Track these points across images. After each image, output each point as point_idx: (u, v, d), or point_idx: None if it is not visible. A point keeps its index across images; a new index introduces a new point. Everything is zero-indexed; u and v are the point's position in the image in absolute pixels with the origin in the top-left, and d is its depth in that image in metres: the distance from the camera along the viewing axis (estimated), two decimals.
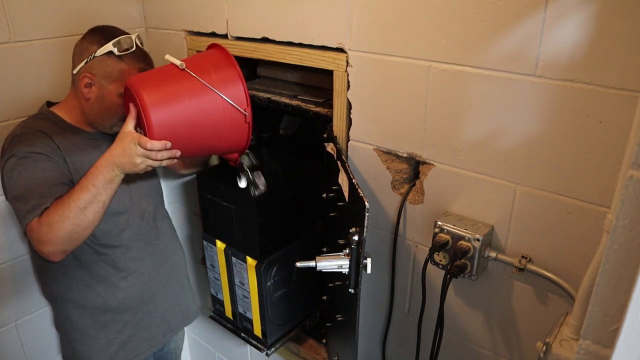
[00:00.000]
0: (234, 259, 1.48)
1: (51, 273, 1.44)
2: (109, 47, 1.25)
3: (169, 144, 1.14)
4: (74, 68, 1.29)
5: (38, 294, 1.69)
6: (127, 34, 1.30)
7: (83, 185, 1.16)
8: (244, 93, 1.21)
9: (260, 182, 1.36)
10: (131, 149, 1.13)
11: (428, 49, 1.06)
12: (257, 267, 1.40)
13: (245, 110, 1.22)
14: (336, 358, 1.37)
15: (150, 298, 1.53)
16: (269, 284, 1.43)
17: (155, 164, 1.17)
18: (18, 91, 1.49)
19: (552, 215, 0.99)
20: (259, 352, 1.54)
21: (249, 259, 1.42)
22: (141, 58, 1.31)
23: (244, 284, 1.48)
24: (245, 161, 1.36)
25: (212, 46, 1.33)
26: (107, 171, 1.16)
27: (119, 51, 1.26)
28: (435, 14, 1.02)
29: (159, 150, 1.14)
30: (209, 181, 1.47)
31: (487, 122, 1.02)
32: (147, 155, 1.14)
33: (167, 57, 1.22)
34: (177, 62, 1.19)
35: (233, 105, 1.20)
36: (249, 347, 1.86)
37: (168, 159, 1.17)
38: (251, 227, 1.37)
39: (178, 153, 1.18)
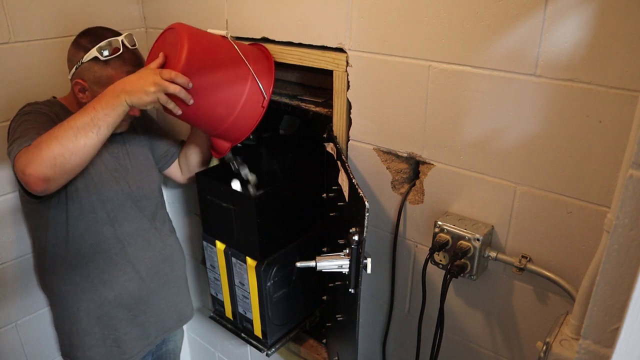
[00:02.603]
0: (233, 259, 1.48)
1: (50, 264, 1.45)
2: (93, 53, 1.23)
3: (190, 84, 1.11)
4: (69, 73, 1.31)
5: (38, 294, 1.69)
6: (118, 34, 1.28)
7: (83, 109, 1.12)
8: (271, 84, 1.30)
9: (252, 178, 1.37)
10: (148, 75, 1.10)
11: (428, 48, 1.06)
12: (257, 268, 1.40)
13: (266, 94, 1.28)
14: (336, 358, 1.37)
15: (146, 296, 1.53)
16: (269, 284, 1.43)
17: (165, 99, 1.11)
18: (18, 91, 1.49)
19: (552, 215, 0.99)
20: (259, 352, 1.54)
21: (249, 260, 1.42)
22: (128, 61, 1.27)
23: (244, 285, 1.48)
24: (234, 157, 1.41)
25: (253, 44, 1.38)
26: (113, 96, 1.11)
27: (103, 57, 1.24)
28: (435, 14, 1.02)
29: (178, 85, 1.10)
30: (209, 182, 1.47)
31: (487, 122, 1.02)
32: (162, 85, 1.09)
33: (210, 30, 1.29)
34: (222, 32, 1.28)
35: (258, 85, 1.26)
36: (249, 347, 1.86)
37: (180, 100, 1.12)
38: (251, 227, 1.37)
39: (191, 100, 1.14)
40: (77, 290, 1.44)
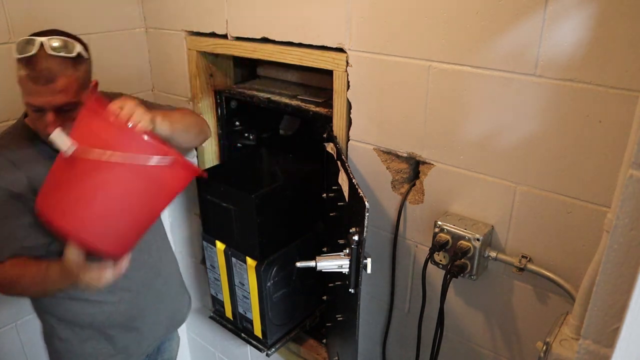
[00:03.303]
0: (233, 259, 1.48)
1: None
2: (13, 52, 1.09)
3: (113, 267, 1.07)
4: None
5: None
6: (62, 36, 1.11)
7: (41, 276, 1.14)
8: (151, 141, 1.00)
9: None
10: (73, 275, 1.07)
11: (428, 48, 1.06)
12: (257, 268, 1.40)
13: (166, 159, 0.99)
14: (336, 358, 1.37)
15: (139, 314, 1.43)
16: (269, 284, 1.43)
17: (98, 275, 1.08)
18: (18, 91, 1.48)
19: (552, 215, 0.99)
20: (259, 352, 1.54)
21: (249, 260, 1.42)
22: (32, 65, 1.08)
23: (244, 285, 1.48)
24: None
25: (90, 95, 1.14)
26: (61, 283, 1.15)
27: (19, 55, 1.09)
28: (435, 14, 1.02)
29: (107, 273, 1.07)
30: (209, 182, 1.47)
31: (487, 121, 1.02)
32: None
33: (52, 137, 0.97)
34: (65, 145, 0.96)
35: (152, 162, 0.97)
36: (249, 347, 1.86)
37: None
38: (251, 227, 1.37)
39: (123, 267, 1.10)
40: (65, 313, 1.34)
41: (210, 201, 1.48)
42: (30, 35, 1.10)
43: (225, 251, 1.50)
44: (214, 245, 1.53)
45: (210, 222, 1.55)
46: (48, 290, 1.21)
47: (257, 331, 1.52)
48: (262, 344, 1.53)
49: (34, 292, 1.25)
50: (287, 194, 1.43)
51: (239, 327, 1.59)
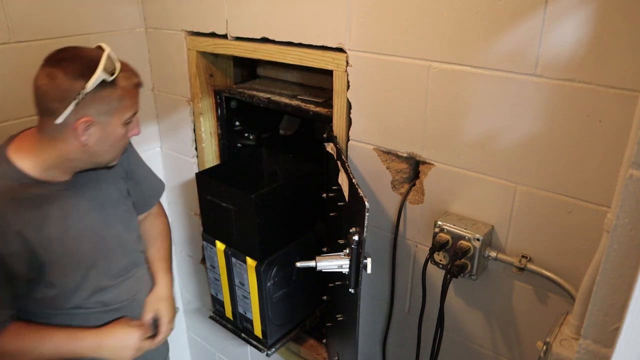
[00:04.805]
0: (233, 259, 1.48)
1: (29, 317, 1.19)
2: (99, 76, 0.99)
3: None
4: (50, 117, 1.02)
5: None
6: (97, 49, 1.07)
7: (57, 344, 1.13)
8: None
9: None
10: (131, 344, 1.21)
11: (428, 48, 1.06)
12: (257, 268, 1.40)
13: None
14: (336, 358, 1.37)
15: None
16: (269, 284, 1.43)
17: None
18: (18, 91, 1.49)
19: (552, 215, 0.99)
20: (259, 352, 1.54)
21: (249, 260, 1.42)
22: (132, 72, 1.10)
23: (244, 285, 1.48)
24: None
25: None
26: (90, 351, 1.16)
27: (110, 77, 1.02)
28: (435, 14, 1.02)
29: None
30: (209, 182, 1.47)
31: (487, 121, 1.02)
32: (143, 350, 1.24)
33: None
34: None
35: None
36: (249, 347, 1.86)
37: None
38: (251, 227, 1.37)
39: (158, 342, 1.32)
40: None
41: (210, 201, 1.48)
42: (80, 57, 1.04)
43: (225, 251, 1.50)
44: (214, 245, 1.53)
45: (210, 222, 1.54)
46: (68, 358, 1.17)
47: (257, 331, 1.52)
48: (262, 344, 1.53)
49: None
50: (287, 194, 1.43)
51: (239, 327, 1.59)
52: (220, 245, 1.51)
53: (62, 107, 1.00)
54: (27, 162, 1.08)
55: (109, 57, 1.03)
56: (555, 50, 0.89)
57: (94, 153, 1.10)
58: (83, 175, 1.18)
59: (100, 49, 1.05)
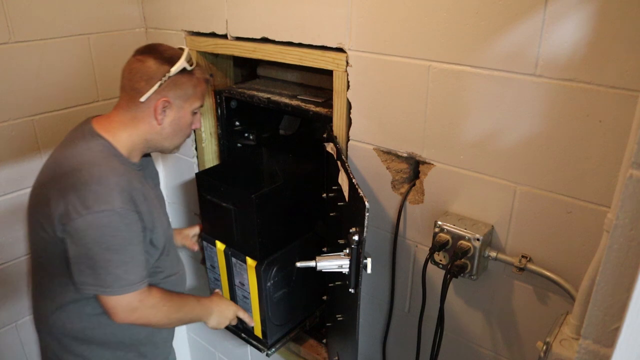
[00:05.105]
0: (233, 259, 1.48)
1: (74, 308, 1.24)
2: (182, 64, 1.17)
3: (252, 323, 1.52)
4: (135, 95, 1.16)
5: None
6: (176, 47, 1.25)
7: (188, 308, 1.34)
8: None
9: None
10: (231, 313, 1.46)
11: (428, 48, 1.06)
12: (257, 268, 1.40)
13: None
14: (336, 358, 1.37)
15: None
16: (269, 284, 1.43)
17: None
18: (18, 91, 1.49)
19: (552, 215, 0.99)
20: (259, 352, 1.54)
21: (249, 260, 1.42)
22: (205, 69, 1.28)
23: (244, 285, 1.48)
24: None
25: None
26: (206, 315, 1.40)
27: (190, 67, 1.20)
28: (435, 14, 1.02)
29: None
30: (209, 182, 1.47)
31: (487, 121, 1.02)
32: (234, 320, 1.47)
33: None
34: None
35: None
36: (249, 347, 1.86)
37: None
38: (251, 227, 1.37)
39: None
40: (100, 334, 1.28)
41: (210, 201, 1.48)
42: (168, 48, 1.22)
43: (225, 251, 1.50)
44: (214, 245, 1.53)
45: (210, 222, 1.54)
46: (184, 322, 1.40)
47: (257, 331, 1.52)
48: (262, 344, 1.53)
49: (175, 323, 1.35)
50: (287, 194, 1.43)
51: (239, 327, 1.59)
52: (220, 245, 1.51)
53: (148, 86, 1.16)
54: (116, 140, 1.20)
55: (189, 52, 1.21)
56: (555, 50, 0.89)
57: (165, 135, 1.23)
58: (142, 159, 1.31)
59: (180, 49, 1.23)
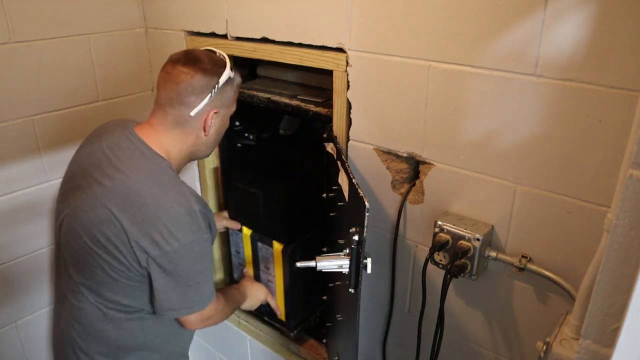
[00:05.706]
0: (259, 244, 1.56)
1: (138, 320, 1.23)
2: (228, 73, 1.17)
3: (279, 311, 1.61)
4: (185, 109, 1.14)
5: (38, 294, 1.69)
6: (209, 51, 1.22)
7: (239, 296, 1.47)
8: None
9: None
10: (262, 295, 1.56)
11: (428, 48, 1.06)
12: (283, 251, 1.47)
13: None
14: (336, 358, 1.37)
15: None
16: (294, 268, 1.47)
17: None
18: (18, 91, 1.49)
19: (552, 215, 0.99)
20: (266, 347, 1.62)
21: (276, 244, 1.49)
22: (237, 72, 1.25)
23: (269, 269, 1.56)
24: None
25: None
26: (253, 300, 1.53)
27: (232, 75, 1.19)
28: (435, 14, 1.02)
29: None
30: (236, 169, 1.54)
31: (487, 121, 1.02)
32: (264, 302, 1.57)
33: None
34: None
35: None
36: (249, 347, 1.86)
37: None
38: (281, 211, 1.45)
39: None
40: (163, 343, 1.29)
41: (238, 188, 1.55)
42: (206, 56, 1.18)
43: (252, 236, 1.57)
44: (240, 230, 1.61)
45: (236, 209, 1.62)
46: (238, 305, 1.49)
47: (281, 314, 1.61)
48: (285, 326, 1.62)
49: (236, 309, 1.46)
50: (310, 184, 1.48)
51: (262, 311, 1.67)
52: (246, 231, 1.59)
53: (199, 100, 1.14)
54: (170, 159, 1.18)
55: (229, 58, 1.20)
56: (555, 50, 0.89)
57: (207, 143, 1.23)
58: None
59: (212, 51, 1.22)
